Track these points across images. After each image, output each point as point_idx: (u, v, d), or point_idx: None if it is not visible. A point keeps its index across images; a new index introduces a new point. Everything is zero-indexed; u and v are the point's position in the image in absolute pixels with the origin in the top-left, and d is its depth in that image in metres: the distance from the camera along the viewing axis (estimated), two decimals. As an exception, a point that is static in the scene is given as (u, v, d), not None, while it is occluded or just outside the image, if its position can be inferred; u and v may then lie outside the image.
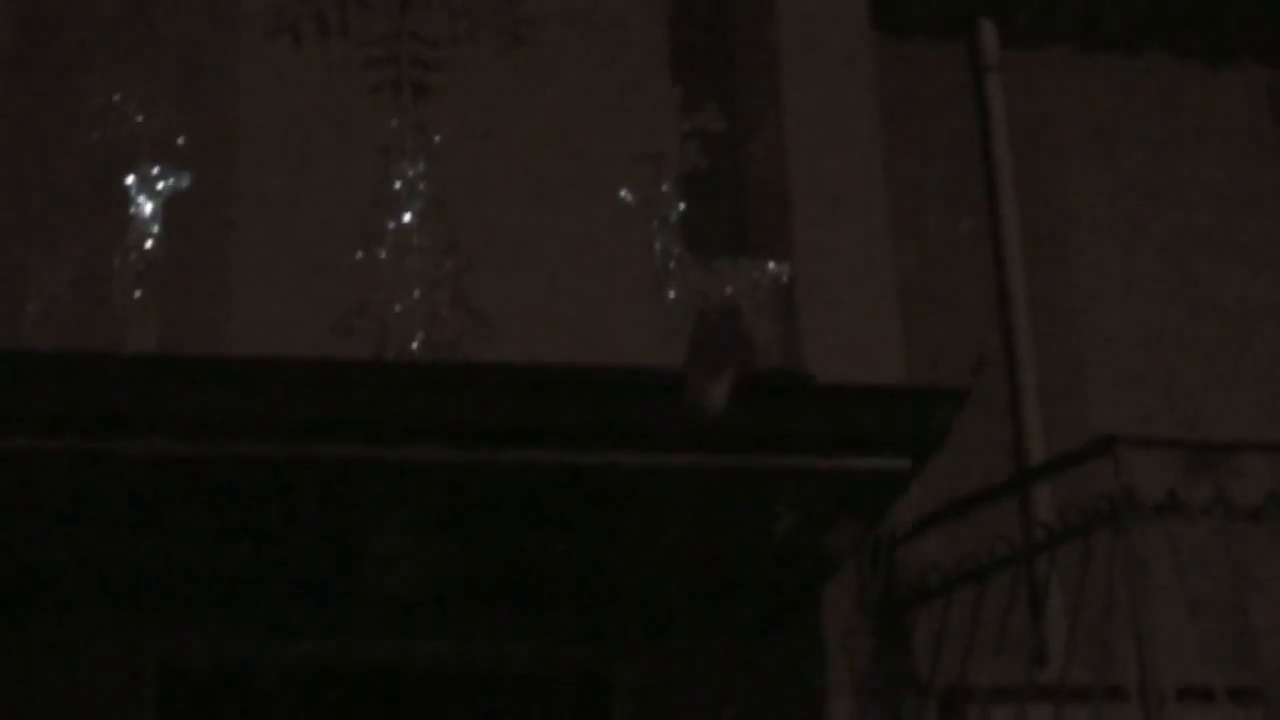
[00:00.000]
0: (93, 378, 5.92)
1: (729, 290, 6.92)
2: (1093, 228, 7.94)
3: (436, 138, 6.93)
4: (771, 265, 6.94)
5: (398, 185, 6.78)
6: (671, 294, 6.89)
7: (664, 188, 6.98)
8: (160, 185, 6.62)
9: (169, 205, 6.67)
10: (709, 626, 6.91)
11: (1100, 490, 6.09)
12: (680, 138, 7.04)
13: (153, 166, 6.65)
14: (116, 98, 6.79)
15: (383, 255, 6.75)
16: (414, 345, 6.60)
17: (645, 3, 7.83)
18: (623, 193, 6.99)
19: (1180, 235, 7.99)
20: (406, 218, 6.80)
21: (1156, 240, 7.97)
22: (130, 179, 6.65)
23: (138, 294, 6.49)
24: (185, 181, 6.70)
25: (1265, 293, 8.05)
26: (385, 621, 6.71)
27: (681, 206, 6.99)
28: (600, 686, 6.97)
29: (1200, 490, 6.19)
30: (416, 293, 6.69)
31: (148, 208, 6.59)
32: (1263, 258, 8.12)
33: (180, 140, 6.82)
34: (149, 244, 6.55)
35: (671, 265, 6.92)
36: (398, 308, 6.68)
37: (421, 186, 6.79)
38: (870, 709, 6.62)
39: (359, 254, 6.78)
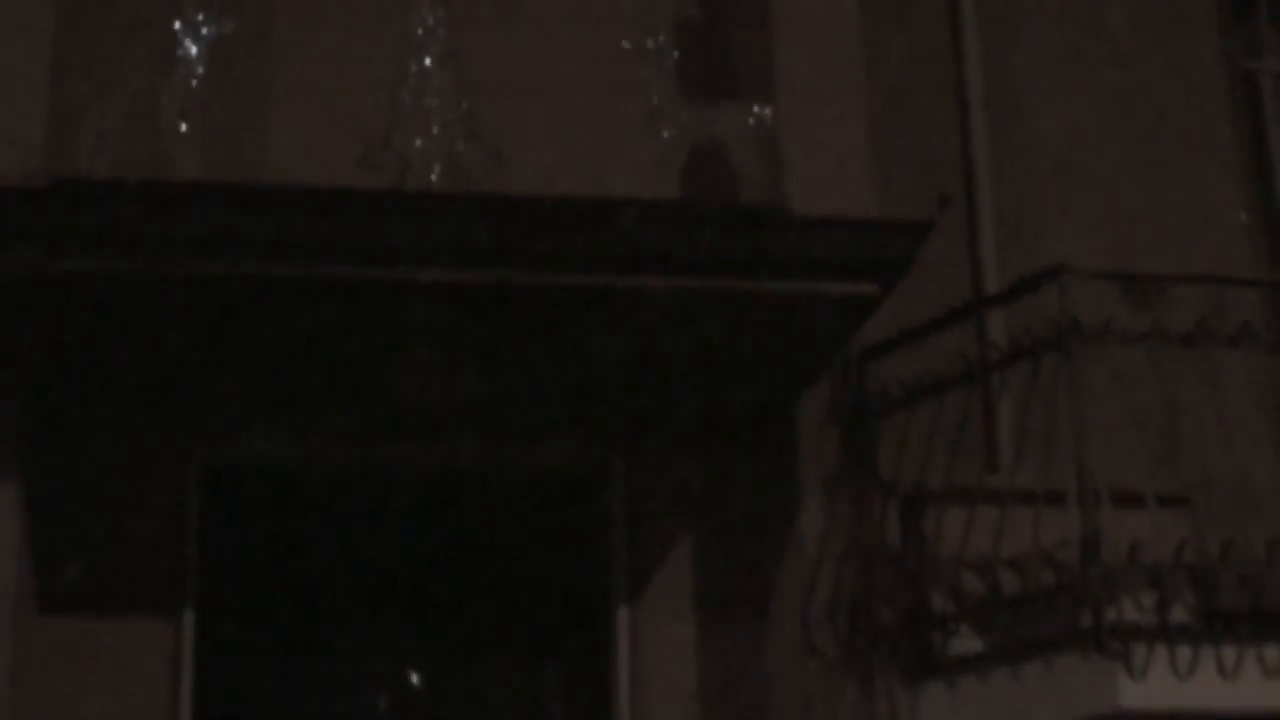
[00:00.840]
0: (142, 203, 6.05)
1: (718, 130, 7.06)
2: (1050, 75, 7.91)
3: (455, -11, 7.03)
4: (756, 108, 7.08)
5: (420, 32, 6.87)
6: (666, 134, 7.02)
7: (660, 37, 7.08)
8: (205, 30, 6.74)
9: (213, 48, 6.79)
10: (698, 431, 7.10)
11: (1048, 317, 6.29)
12: (676, -8, 7.14)
13: (198, 13, 6.75)
14: (165, -51, 6.86)
15: (405, 96, 6.85)
16: (432, 177, 6.73)
17: None
18: (623, 42, 7.10)
19: (1132, 85, 8.04)
20: (427, 61, 6.90)
21: (1109, 90, 7.96)
22: (178, 24, 6.77)
23: (183, 127, 6.65)
24: (228, 26, 6.80)
25: (1210, 139, 8.07)
26: (409, 427, 6.85)
27: (676, 54, 7.10)
28: (602, 479, 7.15)
29: (1138, 318, 6.42)
30: (435, 129, 6.80)
31: (193, 50, 6.70)
32: (1210, 108, 8.11)
33: (224, -11, 6.94)
34: (194, 82, 6.67)
35: (666, 107, 7.04)
36: (418, 143, 6.79)
37: (440, 34, 6.88)
38: (839, 507, 6.81)
39: (384, 94, 6.89)
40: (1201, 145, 8.06)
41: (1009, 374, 6.73)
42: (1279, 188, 8.17)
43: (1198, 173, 7.99)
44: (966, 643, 6.61)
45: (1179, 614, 6.16)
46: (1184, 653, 6.07)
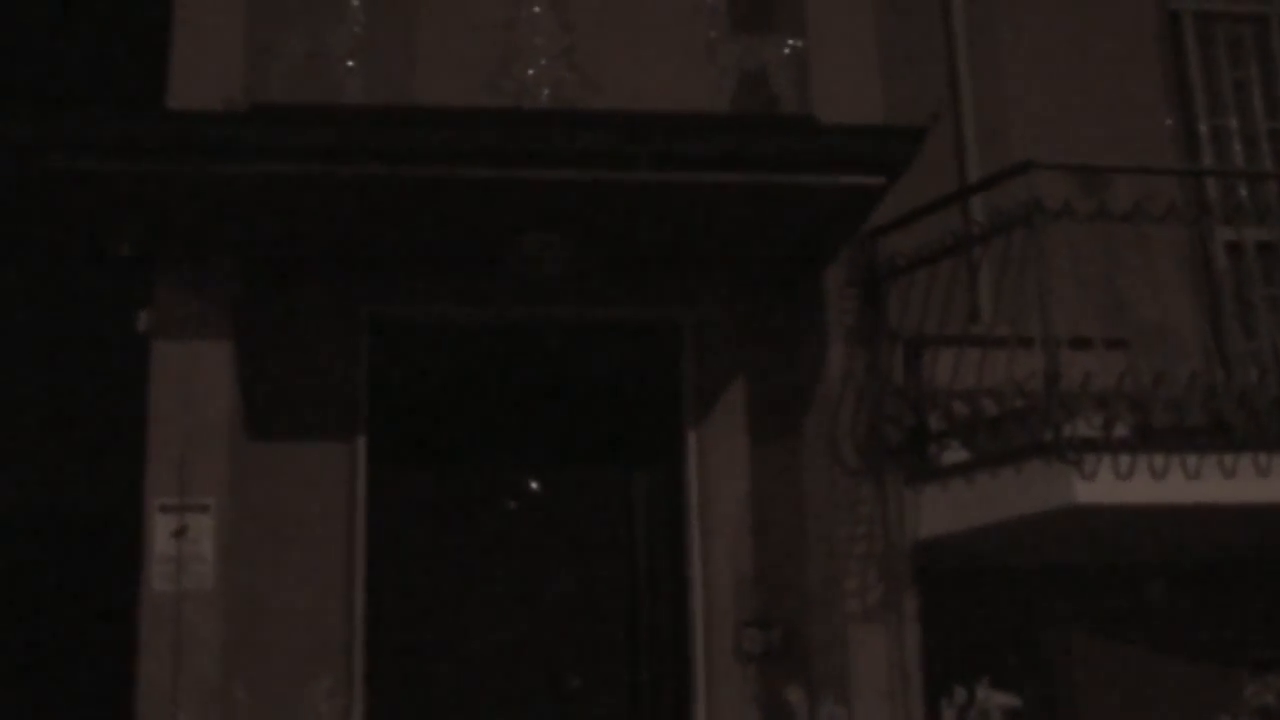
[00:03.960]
0: (320, 121, 6.26)
1: (761, 58, 7.13)
2: (1019, 18, 7.87)
3: (557, -50, 7.12)
4: (790, 41, 7.12)
5: (530, -16, 7.02)
6: (720, 63, 7.12)
7: (716, -12, 7.19)
8: (365, -16, 6.84)
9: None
10: (749, 292, 7.21)
11: (1018, 200, 6.38)
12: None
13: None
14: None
15: (518, 35, 6.92)
16: (542, 98, 6.82)
17: None
18: (688, -7, 7.24)
19: (1082, 27, 7.95)
20: (535, 9, 6.97)
21: (1066, 37, 7.89)
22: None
23: (350, 63, 6.78)
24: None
25: (1143, 63, 8.04)
26: (527, 292, 6.93)
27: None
28: (675, 331, 7.28)
29: (1087, 201, 6.51)
30: (543, 61, 6.88)
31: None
32: (1145, 40, 8.07)
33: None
34: (357, 28, 6.77)
35: (721, 42, 7.12)
36: (530, 71, 6.88)
37: (546, -14, 7.03)
38: (857, 351, 6.83)
39: (501, 33, 6.94)
40: (1137, 68, 8.02)
41: (988, 246, 6.76)
42: (1195, 99, 8.07)
43: (1134, 89, 7.97)
44: (956, 454, 6.66)
45: (1120, 430, 6.26)
46: (1124, 460, 6.19)
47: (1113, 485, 6.18)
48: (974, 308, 7.28)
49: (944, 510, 6.62)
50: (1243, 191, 7.85)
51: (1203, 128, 8.09)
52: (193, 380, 6.42)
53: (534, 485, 7.19)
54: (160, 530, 6.28)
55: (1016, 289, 6.33)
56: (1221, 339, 7.21)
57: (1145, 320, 6.92)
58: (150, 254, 6.54)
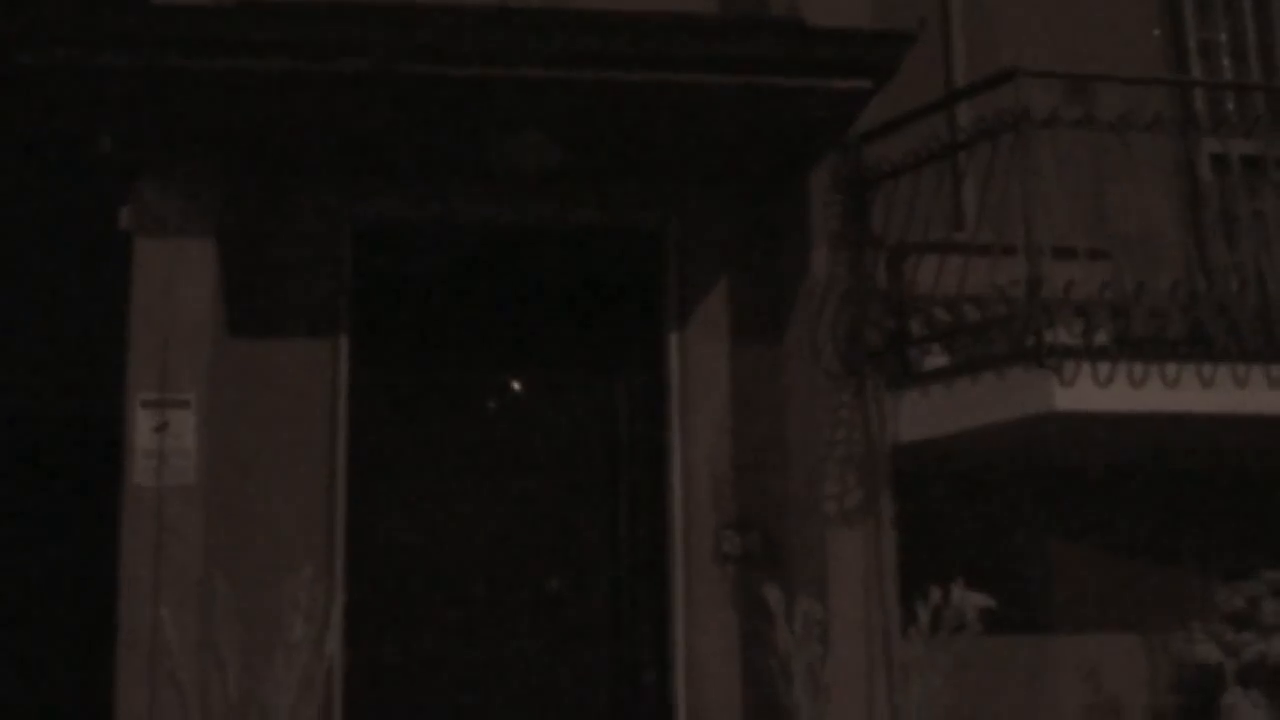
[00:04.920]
0: (306, 17, 6.01)
1: None
2: None
3: None
4: None
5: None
6: None
7: (706, -115, 6.99)
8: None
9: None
10: (734, 196, 7.15)
11: (1005, 107, 6.29)
12: None
13: None
14: None
15: None
16: None
17: None
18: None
19: None
20: None
21: None
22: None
23: None
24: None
25: None
26: (511, 194, 6.89)
27: (716, -102, 7.03)
28: (658, 233, 7.23)
29: (1074, 109, 6.42)
30: None
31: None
32: None
33: None
34: None
35: None
36: None
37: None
38: (841, 256, 6.77)
39: None
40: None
41: (973, 153, 6.63)
42: (1184, 11, 8.00)
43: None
44: (936, 359, 6.66)
45: (1101, 338, 6.24)
46: (1103, 368, 6.18)
47: (1092, 392, 6.16)
48: (958, 215, 7.23)
49: (924, 415, 6.59)
50: (1230, 104, 7.80)
51: (1191, 40, 8.00)
52: (175, 277, 6.35)
53: (515, 386, 7.17)
54: (142, 425, 6.24)
55: (1001, 197, 6.23)
56: (1204, 251, 7.10)
57: (1129, 230, 6.85)
58: (134, 151, 6.42)
